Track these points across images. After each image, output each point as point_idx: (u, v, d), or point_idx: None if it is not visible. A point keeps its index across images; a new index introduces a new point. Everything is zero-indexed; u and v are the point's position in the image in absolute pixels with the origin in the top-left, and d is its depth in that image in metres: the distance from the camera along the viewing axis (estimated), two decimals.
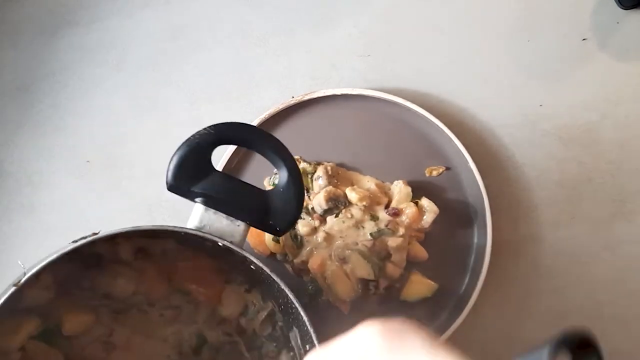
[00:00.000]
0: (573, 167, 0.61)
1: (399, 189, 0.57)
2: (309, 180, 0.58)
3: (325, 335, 0.57)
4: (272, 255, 0.58)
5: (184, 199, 0.42)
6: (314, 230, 0.56)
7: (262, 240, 0.58)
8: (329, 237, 0.56)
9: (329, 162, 0.59)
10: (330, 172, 0.58)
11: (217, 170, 0.42)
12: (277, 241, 0.56)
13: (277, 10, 0.66)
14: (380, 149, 0.60)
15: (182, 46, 0.66)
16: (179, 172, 0.41)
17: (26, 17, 0.67)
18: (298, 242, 0.56)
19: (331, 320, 0.57)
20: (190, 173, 0.41)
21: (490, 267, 0.56)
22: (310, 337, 0.40)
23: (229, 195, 0.41)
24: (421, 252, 0.57)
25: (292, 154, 0.58)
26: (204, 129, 0.41)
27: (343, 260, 0.55)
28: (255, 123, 0.59)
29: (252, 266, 0.41)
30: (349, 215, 0.56)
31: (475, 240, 0.58)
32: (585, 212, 0.60)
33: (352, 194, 0.56)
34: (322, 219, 0.56)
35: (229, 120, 0.64)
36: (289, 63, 0.65)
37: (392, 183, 0.59)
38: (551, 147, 0.62)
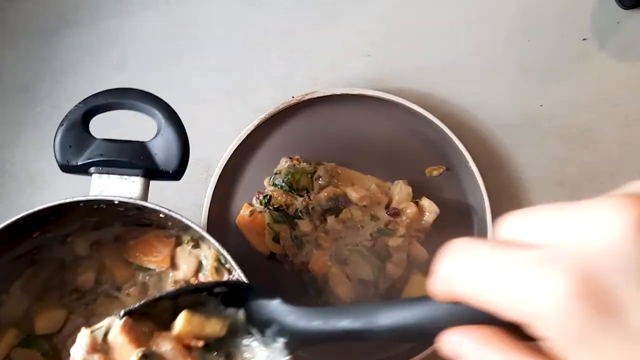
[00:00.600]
0: (573, 167, 0.61)
1: (400, 189, 0.57)
2: (309, 180, 0.58)
3: None
4: (272, 255, 0.58)
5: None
6: (314, 230, 0.56)
7: (262, 240, 0.58)
8: (328, 238, 0.56)
9: (329, 162, 0.59)
10: (330, 172, 0.58)
11: (98, 139, 0.44)
12: (277, 241, 0.56)
13: (277, 10, 0.66)
14: (380, 149, 0.60)
15: (182, 46, 0.66)
16: (63, 152, 0.44)
17: (26, 17, 0.67)
18: (298, 242, 0.56)
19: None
20: (75, 149, 0.44)
21: None
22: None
23: (114, 156, 0.44)
24: (421, 252, 0.57)
25: (292, 154, 0.59)
26: (75, 106, 0.44)
27: (343, 261, 0.55)
28: (255, 123, 0.59)
29: (184, 221, 0.43)
30: (349, 215, 0.56)
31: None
32: None
33: (352, 194, 0.56)
34: (323, 219, 0.57)
35: (228, 121, 0.64)
36: (289, 63, 0.65)
37: (392, 183, 0.59)
38: (551, 147, 0.62)
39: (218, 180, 0.59)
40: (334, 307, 0.51)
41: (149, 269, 0.50)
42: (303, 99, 0.59)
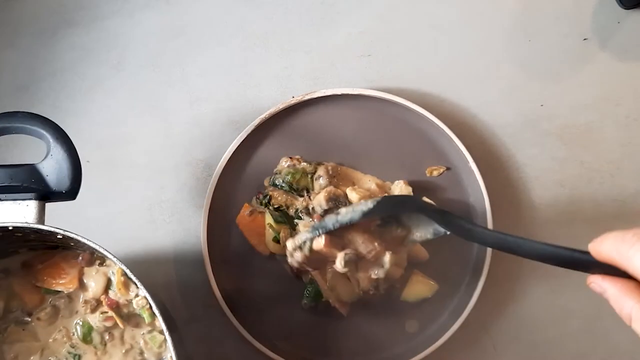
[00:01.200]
0: (573, 167, 0.61)
1: (400, 189, 0.57)
2: (309, 180, 0.58)
3: (324, 338, 0.57)
4: (272, 255, 0.58)
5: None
6: None
7: (262, 240, 0.58)
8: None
9: (329, 162, 0.59)
10: (330, 172, 0.58)
11: None
12: (277, 241, 0.56)
13: (277, 10, 0.66)
14: (380, 149, 0.60)
15: (182, 46, 0.66)
16: None
17: (26, 17, 0.67)
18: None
19: (331, 323, 0.57)
20: None
21: (491, 267, 0.56)
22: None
23: (4, 181, 0.43)
24: (422, 252, 0.57)
25: (292, 154, 0.59)
26: None
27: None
28: (255, 123, 0.59)
29: (80, 240, 0.43)
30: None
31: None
32: (585, 212, 0.60)
33: (352, 194, 0.56)
34: (323, 219, 0.56)
35: (228, 121, 0.64)
36: (289, 63, 0.65)
37: (392, 183, 0.59)
38: (551, 147, 0.62)
39: (218, 180, 0.59)
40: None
41: (58, 292, 0.50)
42: (303, 99, 0.59)
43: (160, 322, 0.43)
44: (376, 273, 0.54)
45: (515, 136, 0.62)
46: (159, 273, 0.62)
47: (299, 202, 0.57)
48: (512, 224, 0.61)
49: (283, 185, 0.58)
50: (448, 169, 0.60)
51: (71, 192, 0.44)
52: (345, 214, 0.48)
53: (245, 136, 0.59)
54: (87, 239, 0.42)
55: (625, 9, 0.63)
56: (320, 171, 0.58)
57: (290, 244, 0.51)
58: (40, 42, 0.67)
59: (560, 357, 0.59)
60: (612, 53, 0.63)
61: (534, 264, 0.60)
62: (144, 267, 0.62)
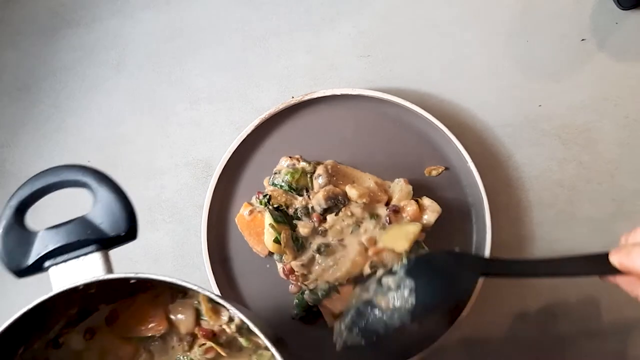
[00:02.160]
0: (573, 167, 0.62)
1: (400, 187, 0.57)
2: (308, 179, 0.58)
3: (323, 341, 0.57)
4: (271, 254, 0.58)
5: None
6: (315, 231, 0.56)
7: (259, 240, 0.57)
8: (331, 250, 0.56)
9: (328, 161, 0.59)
10: (330, 171, 0.58)
11: (39, 231, 0.42)
12: (278, 242, 0.56)
13: (277, 10, 0.66)
14: (380, 149, 0.60)
15: (182, 46, 0.66)
16: (10, 258, 0.41)
17: (26, 17, 0.67)
18: (299, 245, 0.56)
19: (327, 329, 0.57)
20: (21, 251, 0.41)
21: None
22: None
23: (61, 241, 0.41)
24: (423, 252, 0.57)
25: (292, 154, 0.59)
26: (5, 208, 0.42)
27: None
28: (255, 123, 0.59)
29: (155, 278, 0.41)
30: (349, 214, 0.56)
31: (475, 240, 0.58)
32: (585, 212, 0.61)
33: (352, 191, 0.56)
34: (322, 218, 0.56)
35: (228, 121, 0.64)
36: (289, 63, 0.65)
37: (392, 182, 0.59)
38: (551, 147, 0.62)
39: (218, 180, 0.59)
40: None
41: (150, 337, 0.48)
42: (303, 99, 0.59)
43: (262, 339, 0.40)
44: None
45: (514, 136, 0.62)
46: (158, 273, 0.62)
47: (298, 202, 0.57)
48: (510, 223, 0.61)
49: (282, 184, 0.58)
50: (447, 168, 0.60)
51: (130, 233, 0.42)
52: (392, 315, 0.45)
53: (245, 136, 0.59)
54: (162, 276, 0.40)
55: (623, 9, 0.63)
56: (320, 170, 0.58)
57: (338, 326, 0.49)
58: (41, 42, 0.67)
59: (560, 357, 0.59)
60: (610, 53, 0.63)
61: None
62: (144, 267, 0.62)
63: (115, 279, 0.40)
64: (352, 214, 0.56)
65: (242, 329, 0.46)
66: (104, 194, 0.42)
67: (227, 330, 0.46)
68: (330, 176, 0.58)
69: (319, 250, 0.55)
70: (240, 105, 0.64)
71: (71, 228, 0.42)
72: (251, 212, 0.58)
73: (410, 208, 0.56)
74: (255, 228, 0.58)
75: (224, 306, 0.44)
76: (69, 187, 0.43)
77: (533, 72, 0.64)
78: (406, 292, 0.44)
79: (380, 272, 0.49)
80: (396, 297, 0.45)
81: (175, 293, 0.48)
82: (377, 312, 0.46)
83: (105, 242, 0.42)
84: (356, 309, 0.47)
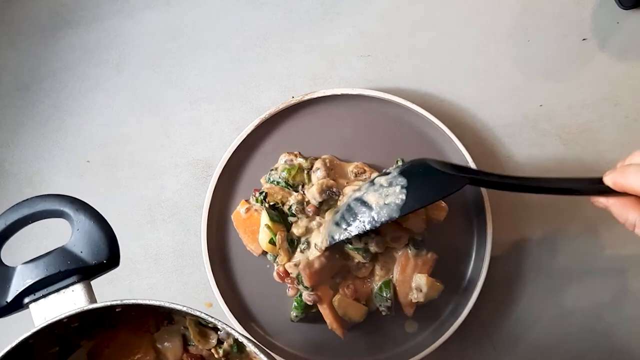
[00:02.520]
0: (573, 167, 0.61)
1: None
2: (305, 176, 0.58)
3: (321, 342, 0.57)
4: (264, 253, 0.58)
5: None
6: (309, 230, 0.56)
7: (255, 238, 0.57)
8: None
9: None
10: (328, 165, 0.58)
11: (16, 266, 0.40)
12: (273, 243, 0.56)
13: (277, 10, 0.66)
14: (380, 149, 0.60)
15: (182, 46, 0.66)
16: None
17: (26, 17, 0.67)
18: (294, 247, 0.56)
19: (326, 329, 0.57)
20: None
21: (491, 267, 0.56)
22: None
23: (40, 275, 0.39)
24: (440, 213, 0.57)
25: (292, 151, 0.59)
26: None
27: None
28: (255, 123, 0.59)
29: (142, 303, 0.39)
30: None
31: (475, 240, 0.58)
32: (585, 212, 0.60)
33: (346, 184, 0.56)
34: (318, 211, 0.56)
35: (228, 121, 0.64)
36: (289, 63, 0.65)
37: None
38: (551, 147, 0.62)
39: (218, 180, 0.59)
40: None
41: None
42: (303, 99, 0.59)
43: (252, 350, 0.39)
44: (416, 297, 0.55)
45: (514, 136, 0.62)
46: (158, 273, 0.62)
47: (293, 197, 0.57)
48: (511, 223, 0.61)
49: (279, 181, 0.58)
50: None
51: (113, 259, 0.41)
52: (377, 211, 0.46)
53: (245, 136, 0.59)
54: (149, 300, 0.38)
55: (625, 9, 0.63)
56: (318, 164, 0.58)
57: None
58: (41, 42, 0.67)
59: (560, 357, 0.59)
60: (611, 53, 0.63)
61: (533, 264, 0.60)
62: (144, 267, 0.62)
63: (100, 307, 0.38)
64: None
65: (231, 353, 0.45)
66: (83, 222, 0.40)
67: (215, 354, 0.45)
68: (328, 169, 0.57)
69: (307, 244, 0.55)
70: (240, 105, 0.64)
71: (50, 260, 0.40)
72: (248, 209, 0.58)
73: None
74: (250, 226, 0.58)
75: (212, 328, 0.43)
76: (46, 217, 0.41)
77: (533, 72, 0.64)
78: (397, 189, 0.46)
79: (374, 174, 0.49)
80: (387, 193, 0.46)
81: (161, 320, 0.46)
82: (366, 208, 0.46)
83: (86, 272, 0.40)
84: (347, 206, 0.48)
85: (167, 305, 0.38)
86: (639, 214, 0.41)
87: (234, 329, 0.39)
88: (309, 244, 0.55)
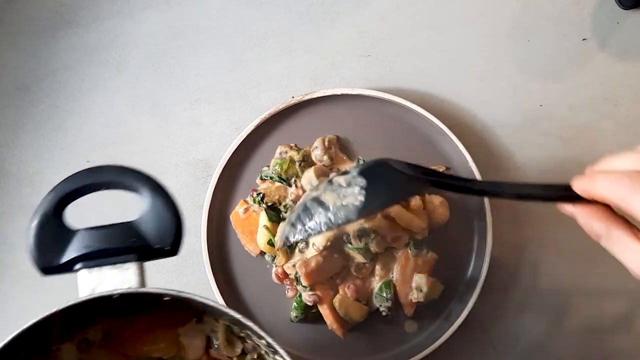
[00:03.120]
0: (573, 167, 0.61)
1: None
2: (297, 168, 0.58)
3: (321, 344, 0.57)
4: (262, 254, 0.58)
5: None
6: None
7: (253, 238, 0.57)
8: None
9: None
10: (327, 144, 0.58)
11: (79, 229, 0.39)
12: (272, 244, 0.56)
13: (277, 10, 0.66)
14: (380, 149, 0.60)
15: (182, 46, 0.66)
16: (41, 252, 0.38)
17: (26, 17, 0.67)
18: (292, 247, 0.56)
19: (326, 330, 0.57)
20: (55, 247, 0.38)
21: (491, 267, 0.56)
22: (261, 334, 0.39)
23: (101, 245, 0.38)
24: (442, 214, 0.58)
25: (287, 144, 0.59)
26: (44, 199, 0.39)
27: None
28: (255, 123, 0.59)
29: (195, 299, 0.38)
30: None
31: (476, 240, 0.58)
32: None
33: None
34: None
35: (228, 121, 0.64)
36: (289, 63, 0.65)
37: None
38: (551, 147, 0.62)
39: (218, 180, 0.59)
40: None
41: (155, 358, 0.44)
42: (303, 99, 0.59)
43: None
44: (416, 297, 0.55)
45: (514, 136, 0.62)
46: (158, 273, 0.62)
47: (289, 194, 0.57)
48: (511, 223, 0.61)
49: (272, 176, 0.58)
50: (447, 168, 0.60)
51: (174, 248, 0.39)
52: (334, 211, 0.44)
53: (245, 136, 0.59)
54: (205, 299, 0.37)
55: (625, 9, 0.63)
56: (316, 142, 0.57)
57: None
58: (41, 42, 0.67)
59: (560, 357, 0.59)
60: (611, 53, 0.63)
61: (533, 264, 0.60)
62: (144, 267, 0.62)
63: (150, 292, 0.37)
64: None
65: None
66: (156, 204, 0.39)
67: None
68: (326, 149, 0.57)
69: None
70: (240, 105, 0.64)
71: (114, 232, 0.39)
72: (246, 210, 0.58)
73: (414, 203, 0.56)
74: (249, 226, 0.58)
75: (240, 338, 0.42)
76: (120, 189, 0.40)
77: (533, 72, 0.64)
78: (356, 190, 0.43)
79: (333, 174, 0.48)
80: (346, 194, 0.44)
81: (189, 317, 0.45)
82: (322, 208, 0.44)
83: (145, 253, 0.39)
84: (303, 205, 0.46)
85: (222, 309, 0.37)
86: (605, 224, 0.37)
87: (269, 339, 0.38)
88: (307, 243, 0.55)
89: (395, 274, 0.56)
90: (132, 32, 0.66)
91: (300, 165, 0.58)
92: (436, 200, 0.57)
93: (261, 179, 0.59)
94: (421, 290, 0.55)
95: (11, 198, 0.64)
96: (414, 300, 0.55)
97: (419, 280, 0.55)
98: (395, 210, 0.55)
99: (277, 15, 0.66)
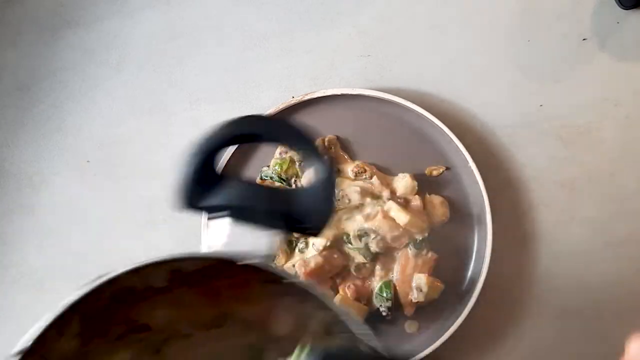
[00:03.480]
0: (573, 167, 0.61)
1: (405, 182, 0.57)
2: (297, 168, 0.58)
3: None
4: None
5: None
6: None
7: None
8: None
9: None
10: (327, 144, 0.58)
11: (230, 177, 0.37)
12: None
13: (277, 10, 0.66)
14: (380, 149, 0.60)
15: (182, 46, 0.66)
16: (195, 188, 0.36)
17: (26, 17, 0.67)
18: (292, 247, 0.56)
19: None
20: (204, 186, 0.36)
21: (491, 266, 0.56)
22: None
23: (253, 202, 0.36)
24: (443, 214, 0.58)
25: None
26: (213, 131, 0.37)
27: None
28: None
29: (301, 284, 0.35)
30: (347, 202, 0.56)
31: (476, 240, 0.58)
32: (585, 212, 0.60)
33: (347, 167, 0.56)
34: None
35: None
36: (289, 63, 0.65)
37: (396, 175, 0.59)
38: (551, 147, 0.62)
39: None
40: None
41: (235, 315, 0.41)
42: (303, 99, 0.59)
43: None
44: (416, 297, 0.55)
45: (514, 136, 0.62)
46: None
47: None
48: (511, 224, 0.61)
49: (272, 176, 0.58)
50: (448, 168, 0.60)
51: (316, 230, 0.37)
52: None
53: None
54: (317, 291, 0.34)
55: (625, 9, 0.63)
56: (316, 142, 0.58)
57: None
58: (41, 42, 0.67)
59: (560, 357, 0.59)
60: (611, 53, 0.63)
61: (533, 264, 0.60)
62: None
63: (277, 274, 0.34)
64: (350, 201, 0.55)
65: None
66: (324, 183, 0.36)
67: None
68: (327, 148, 0.57)
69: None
70: (240, 105, 0.64)
71: (274, 195, 0.36)
72: None
73: (415, 203, 0.56)
74: None
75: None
76: (294, 149, 0.40)
77: (534, 72, 0.64)
78: None
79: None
80: None
81: (294, 293, 0.38)
82: None
83: (291, 225, 0.36)
84: None
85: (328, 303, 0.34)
86: None
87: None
88: (307, 243, 0.55)
89: (395, 274, 0.56)
90: (132, 32, 0.66)
91: (300, 165, 0.58)
92: (436, 200, 0.57)
93: (261, 179, 0.59)
94: (421, 290, 0.55)
95: (11, 198, 0.64)
96: (414, 300, 0.55)
97: (419, 280, 0.55)
98: (395, 210, 0.55)
99: (277, 15, 0.66)
